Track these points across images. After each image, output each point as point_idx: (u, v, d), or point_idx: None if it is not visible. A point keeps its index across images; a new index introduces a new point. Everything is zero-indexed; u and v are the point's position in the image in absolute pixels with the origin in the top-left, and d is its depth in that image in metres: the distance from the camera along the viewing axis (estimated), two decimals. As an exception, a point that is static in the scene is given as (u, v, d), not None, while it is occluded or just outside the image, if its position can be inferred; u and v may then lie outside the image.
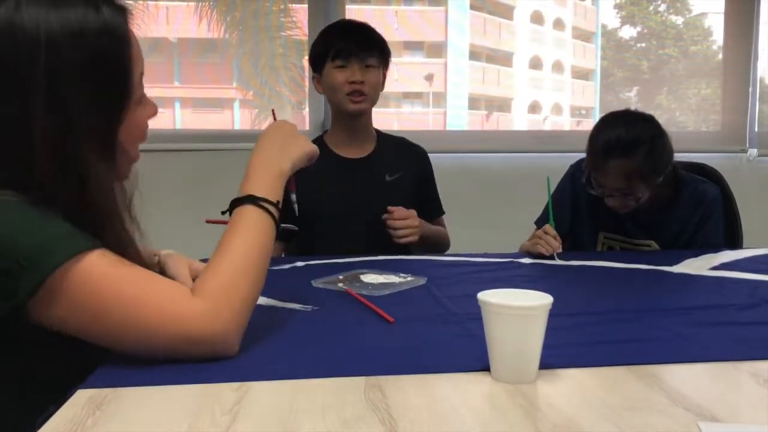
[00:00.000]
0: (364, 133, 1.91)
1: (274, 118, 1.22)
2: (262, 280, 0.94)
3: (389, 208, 1.77)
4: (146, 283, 0.84)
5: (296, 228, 1.69)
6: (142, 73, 0.92)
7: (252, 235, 0.93)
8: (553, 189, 1.89)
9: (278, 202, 1.00)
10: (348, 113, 1.85)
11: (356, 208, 1.86)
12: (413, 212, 1.79)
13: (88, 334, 0.83)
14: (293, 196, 1.24)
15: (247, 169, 1.02)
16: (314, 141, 1.92)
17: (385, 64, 1.89)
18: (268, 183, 1.00)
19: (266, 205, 0.96)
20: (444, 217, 2.04)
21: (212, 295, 0.86)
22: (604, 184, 1.70)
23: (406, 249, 1.85)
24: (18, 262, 0.76)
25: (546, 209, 1.92)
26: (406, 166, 1.94)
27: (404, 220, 1.76)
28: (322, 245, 1.84)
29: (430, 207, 2.00)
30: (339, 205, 1.86)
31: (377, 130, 1.97)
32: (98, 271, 0.81)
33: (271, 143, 1.06)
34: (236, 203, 0.97)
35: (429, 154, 2.03)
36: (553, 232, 1.65)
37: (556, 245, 1.64)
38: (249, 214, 0.95)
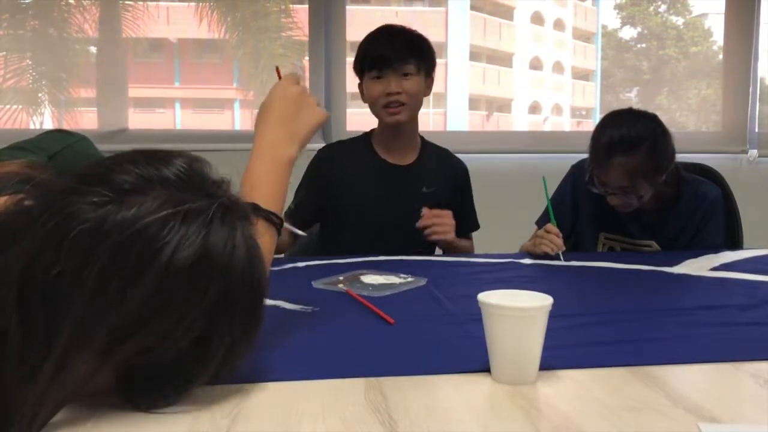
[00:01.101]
0: (407, 141, 1.89)
1: (279, 77, 1.04)
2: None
3: (423, 211, 1.76)
4: None
5: (305, 235, 1.70)
6: None
7: None
8: (549, 189, 1.89)
9: (285, 208, 0.96)
10: (386, 125, 1.83)
11: (388, 215, 1.85)
12: (446, 212, 1.78)
13: None
14: None
15: (252, 154, 0.94)
16: (360, 139, 1.92)
17: (429, 68, 1.84)
18: (277, 181, 0.93)
19: (276, 220, 0.91)
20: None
21: None
22: (607, 182, 1.70)
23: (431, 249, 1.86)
24: None
25: (547, 209, 1.92)
26: (444, 180, 1.92)
27: (437, 218, 1.76)
28: (346, 243, 1.83)
29: (464, 222, 2.00)
30: (371, 208, 1.85)
31: (422, 138, 1.95)
32: None
33: (277, 118, 0.96)
34: None
35: (469, 178, 2.02)
36: (555, 230, 1.65)
37: (560, 243, 1.64)
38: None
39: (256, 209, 0.89)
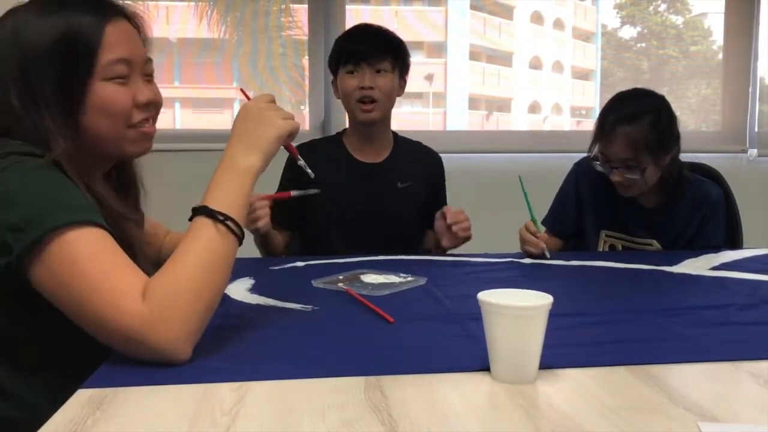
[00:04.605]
0: (379, 139, 1.89)
1: (247, 98, 1.10)
2: (215, 295, 0.90)
3: (444, 210, 1.71)
4: (112, 274, 0.86)
5: (318, 191, 1.68)
6: (120, 59, 0.99)
7: (204, 251, 0.90)
8: (550, 188, 1.89)
9: (243, 208, 0.96)
10: (360, 122, 1.84)
11: (365, 213, 1.85)
12: (462, 211, 1.72)
13: (59, 306, 0.87)
14: (300, 162, 1.23)
15: (216, 168, 0.99)
16: (332, 139, 1.92)
17: (403, 69, 1.86)
18: (231, 187, 0.96)
19: (223, 219, 0.92)
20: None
21: (156, 301, 0.85)
22: (610, 156, 1.70)
23: (412, 253, 1.85)
24: (24, 220, 0.84)
25: (551, 209, 1.93)
26: (419, 174, 1.92)
27: (465, 215, 1.70)
28: (326, 246, 1.83)
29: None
30: (348, 209, 1.85)
31: (395, 134, 1.95)
32: (82, 246, 0.86)
33: (237, 133, 1.00)
34: (195, 210, 0.94)
35: (444, 169, 2.01)
36: (533, 228, 1.66)
37: (536, 241, 1.64)
38: (204, 228, 0.92)
39: (208, 211, 0.92)
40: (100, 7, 0.99)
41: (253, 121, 1.01)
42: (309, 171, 1.24)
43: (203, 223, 0.92)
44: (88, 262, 0.85)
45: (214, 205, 0.93)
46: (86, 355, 0.87)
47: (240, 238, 0.94)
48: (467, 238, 1.72)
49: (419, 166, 1.94)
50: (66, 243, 0.85)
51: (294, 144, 1.19)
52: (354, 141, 1.89)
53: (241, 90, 1.22)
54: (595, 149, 1.74)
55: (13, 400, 0.92)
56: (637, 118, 1.66)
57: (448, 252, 1.84)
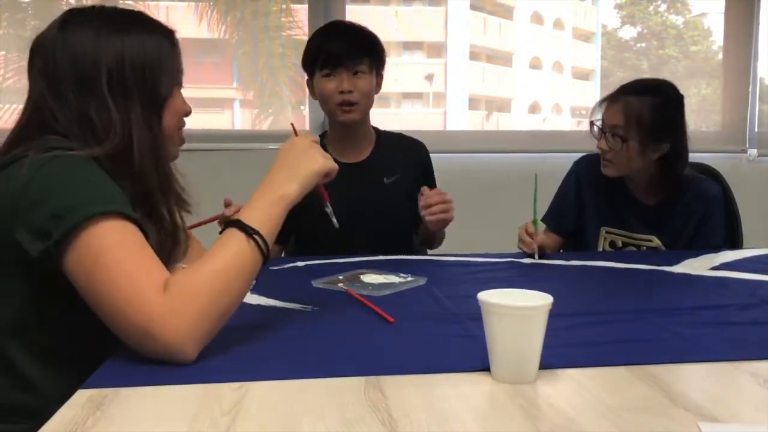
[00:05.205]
0: (360, 138, 1.88)
1: (295, 133, 1.19)
2: (232, 303, 0.93)
3: (423, 191, 1.70)
4: (135, 266, 0.89)
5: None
6: (182, 71, 1.12)
7: (231, 259, 0.93)
8: (551, 187, 1.89)
9: (276, 227, 1.01)
10: (340, 123, 1.82)
11: (354, 213, 1.83)
12: (442, 192, 1.70)
13: (82, 293, 0.90)
14: (328, 209, 1.25)
15: (253, 192, 1.04)
16: None
17: (379, 66, 1.84)
18: (266, 208, 1.00)
19: (253, 233, 0.96)
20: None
21: (174, 294, 0.87)
22: (605, 119, 1.76)
23: (408, 248, 1.84)
24: (65, 208, 0.88)
25: (551, 207, 1.93)
26: (404, 166, 1.90)
27: (439, 197, 1.67)
28: (320, 249, 1.82)
29: None
30: (337, 210, 1.83)
31: (376, 130, 1.93)
32: (110, 236, 0.89)
33: (281, 163, 1.07)
34: (228, 224, 0.99)
35: (429, 155, 2.01)
36: (531, 229, 1.66)
37: (530, 242, 1.65)
38: (234, 238, 0.95)
39: (242, 225, 0.96)
40: (166, 27, 1.11)
41: (297, 154, 1.08)
42: (334, 220, 1.27)
43: (235, 234, 0.96)
44: (113, 254, 0.88)
45: (247, 222, 0.97)
46: (101, 351, 0.90)
47: (265, 258, 0.97)
48: (446, 220, 1.69)
49: (403, 156, 1.92)
50: (95, 233, 0.88)
51: None
52: (336, 142, 1.87)
53: (291, 125, 1.30)
54: (598, 114, 1.79)
55: (33, 393, 0.95)
56: (643, 94, 1.73)
57: (448, 252, 1.84)
